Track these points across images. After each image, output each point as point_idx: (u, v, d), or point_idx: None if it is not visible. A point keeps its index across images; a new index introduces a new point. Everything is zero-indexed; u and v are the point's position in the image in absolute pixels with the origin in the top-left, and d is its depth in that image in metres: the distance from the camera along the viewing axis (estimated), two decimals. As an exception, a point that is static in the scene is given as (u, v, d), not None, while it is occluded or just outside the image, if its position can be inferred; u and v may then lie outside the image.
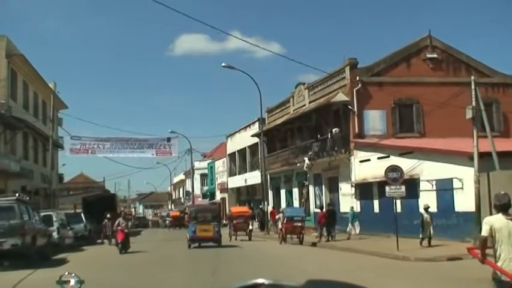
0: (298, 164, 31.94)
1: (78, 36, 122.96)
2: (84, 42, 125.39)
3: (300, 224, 25.01)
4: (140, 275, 14.80)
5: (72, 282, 3.36)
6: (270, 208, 35.80)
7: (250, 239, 27.49)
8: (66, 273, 3.47)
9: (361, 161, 26.41)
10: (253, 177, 43.03)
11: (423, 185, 21.99)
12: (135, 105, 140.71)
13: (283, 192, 37.28)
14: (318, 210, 26.94)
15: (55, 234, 21.88)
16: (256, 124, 41.85)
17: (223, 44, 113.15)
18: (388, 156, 24.19)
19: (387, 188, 18.23)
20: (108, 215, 25.13)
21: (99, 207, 35.25)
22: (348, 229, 24.93)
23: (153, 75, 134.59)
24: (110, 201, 37.72)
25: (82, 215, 27.96)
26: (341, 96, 27.81)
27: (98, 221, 34.04)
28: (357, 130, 27.15)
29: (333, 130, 27.50)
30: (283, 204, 35.76)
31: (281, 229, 25.32)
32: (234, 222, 28.43)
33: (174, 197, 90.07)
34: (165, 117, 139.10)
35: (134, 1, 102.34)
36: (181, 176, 79.70)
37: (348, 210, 27.13)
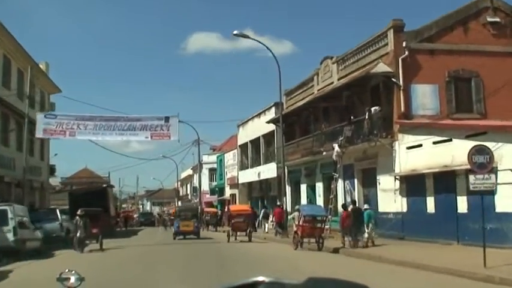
0: (324, 153, 26.43)
1: (88, 33, 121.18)
2: (93, 40, 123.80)
3: (320, 226, 20.48)
4: None
5: (73, 279, 3.34)
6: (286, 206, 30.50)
7: (250, 240, 24.74)
8: (66, 270, 3.39)
9: (409, 148, 20.79)
10: (268, 171, 37.66)
11: (503, 176, 16.33)
12: (143, 103, 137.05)
13: (303, 187, 31.74)
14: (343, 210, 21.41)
15: (10, 236, 16.54)
16: (272, 110, 36.48)
17: (235, 43, 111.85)
18: (450, 140, 18.59)
19: (471, 178, 12.63)
20: (79, 211, 19.63)
21: (88, 202, 30.24)
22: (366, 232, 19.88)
23: (164, 73, 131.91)
24: (100, 195, 32.44)
25: (57, 211, 22.57)
26: (382, 67, 22.21)
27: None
28: (402, 109, 21.53)
29: (372, 109, 21.91)
30: (303, 202, 30.26)
31: (296, 231, 20.60)
32: (233, 221, 25.76)
33: (181, 193, 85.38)
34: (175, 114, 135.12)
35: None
36: (189, 171, 74.86)
37: (390, 209, 21.72)
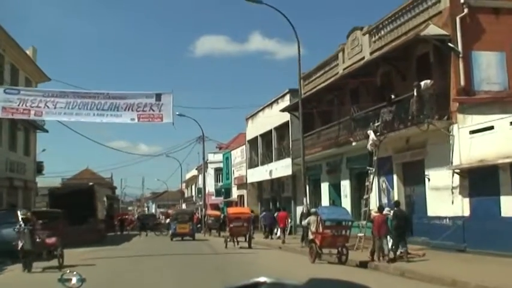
0: (353, 144, 21.60)
1: (96, 35, 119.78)
2: (100, 42, 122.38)
3: (343, 233, 16.69)
4: None
5: (74, 280, 3.31)
6: (302, 208, 25.84)
7: (250, 247, 22.77)
8: (68, 271, 3.51)
9: (473, 131, 15.84)
10: (281, 168, 32.82)
11: None
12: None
13: (324, 186, 26.81)
14: (373, 213, 16.75)
15: None
16: (287, 97, 31.75)
17: (243, 46, 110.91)
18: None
19: None
20: (21, 213, 14.73)
21: (72, 203, 25.69)
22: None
23: (171, 75, 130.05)
24: (86, 195, 27.83)
25: (19, 212, 17.77)
26: (434, 29, 17.31)
27: (70, 222, 25.08)
28: (462, 82, 16.59)
29: (422, 83, 16.98)
30: (325, 204, 25.39)
31: (313, 240, 16.71)
32: (231, 225, 23.86)
33: (186, 195, 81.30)
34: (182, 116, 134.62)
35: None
36: (194, 172, 70.32)
37: (445, 213, 16.85)
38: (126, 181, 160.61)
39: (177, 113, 46.68)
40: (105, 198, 67.25)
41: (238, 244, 23.24)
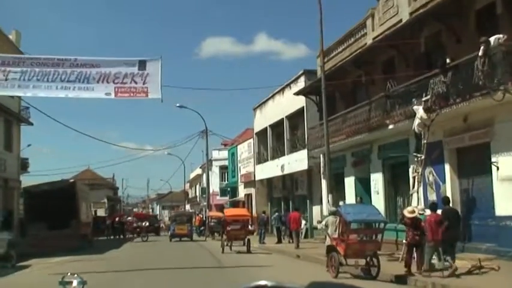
0: (390, 126, 17.41)
1: (102, 39, 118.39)
2: (106, 45, 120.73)
3: (373, 238, 13.51)
4: None
5: (75, 283, 3.17)
6: (325, 208, 22.11)
7: (249, 251, 21.38)
8: (69, 273, 3.24)
9: None
10: (295, 162, 28.75)
11: None
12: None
13: (349, 181, 22.54)
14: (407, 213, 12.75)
15: None
16: (301, 80, 27.69)
17: (249, 47, 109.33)
18: None
19: None
20: None
21: (50, 203, 21.92)
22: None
23: (178, 77, 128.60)
24: (67, 193, 23.70)
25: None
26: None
27: (49, 226, 21.44)
28: (546, 37, 12.36)
29: (491, 39, 12.69)
30: (351, 202, 21.18)
31: (334, 247, 13.31)
32: (228, 228, 22.26)
33: (190, 195, 77.90)
34: (187, 119, 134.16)
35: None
36: (198, 171, 66.51)
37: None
38: (128, 181, 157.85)
39: (178, 104, 43.27)
40: (105, 199, 63.38)
41: (232, 248, 21.64)
